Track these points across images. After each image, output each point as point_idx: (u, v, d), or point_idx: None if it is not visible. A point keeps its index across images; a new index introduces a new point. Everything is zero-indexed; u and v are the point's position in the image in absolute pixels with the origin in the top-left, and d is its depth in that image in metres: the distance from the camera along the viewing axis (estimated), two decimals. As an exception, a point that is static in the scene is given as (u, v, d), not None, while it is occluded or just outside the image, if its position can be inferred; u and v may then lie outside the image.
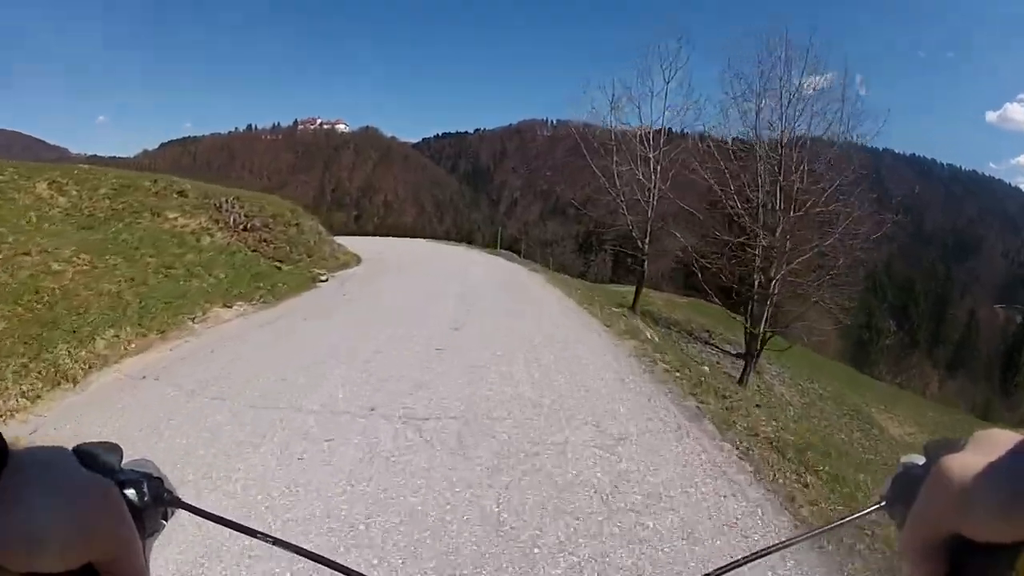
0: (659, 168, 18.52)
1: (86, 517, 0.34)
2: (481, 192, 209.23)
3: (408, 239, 38.33)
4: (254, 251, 12.47)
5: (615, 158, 19.19)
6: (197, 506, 0.47)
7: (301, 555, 0.48)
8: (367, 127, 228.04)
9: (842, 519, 0.50)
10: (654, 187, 18.44)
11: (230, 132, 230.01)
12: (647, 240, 18.91)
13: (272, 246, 13.34)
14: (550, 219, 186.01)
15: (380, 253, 20.35)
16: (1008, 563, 0.34)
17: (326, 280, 12.89)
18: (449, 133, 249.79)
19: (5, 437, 0.32)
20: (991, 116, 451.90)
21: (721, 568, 0.49)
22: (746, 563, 0.50)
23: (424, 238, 34.66)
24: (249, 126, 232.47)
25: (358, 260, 17.34)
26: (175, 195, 13.58)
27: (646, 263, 19.59)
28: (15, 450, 0.33)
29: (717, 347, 22.28)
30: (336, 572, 0.49)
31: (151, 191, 13.31)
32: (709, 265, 16.55)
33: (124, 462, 0.45)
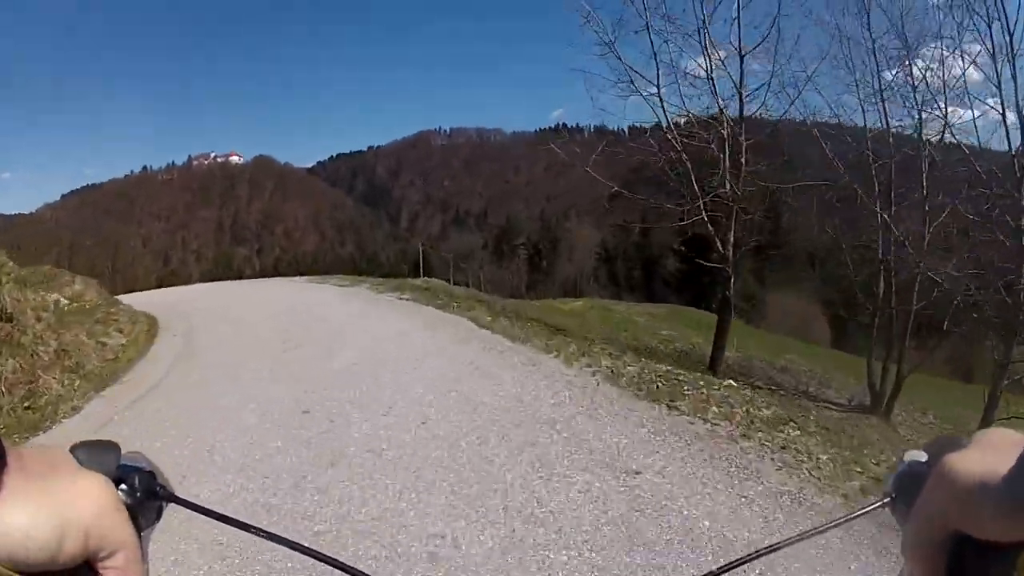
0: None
1: (84, 515, 0.35)
2: (381, 209, 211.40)
3: (273, 282, 24.40)
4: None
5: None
6: (191, 501, 0.48)
7: (297, 550, 0.49)
8: (260, 156, 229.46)
9: (846, 516, 0.50)
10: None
11: (126, 175, 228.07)
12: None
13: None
14: (452, 229, 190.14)
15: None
16: (1011, 563, 0.34)
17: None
18: (344, 153, 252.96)
19: (2, 439, 0.33)
20: None
21: (723, 567, 0.50)
22: (747, 562, 0.50)
23: (313, 275, 24.69)
24: (144, 167, 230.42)
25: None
26: None
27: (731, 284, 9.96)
28: (13, 450, 0.34)
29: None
30: (335, 569, 0.49)
31: None
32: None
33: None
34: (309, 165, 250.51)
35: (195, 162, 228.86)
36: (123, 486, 0.43)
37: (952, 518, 0.37)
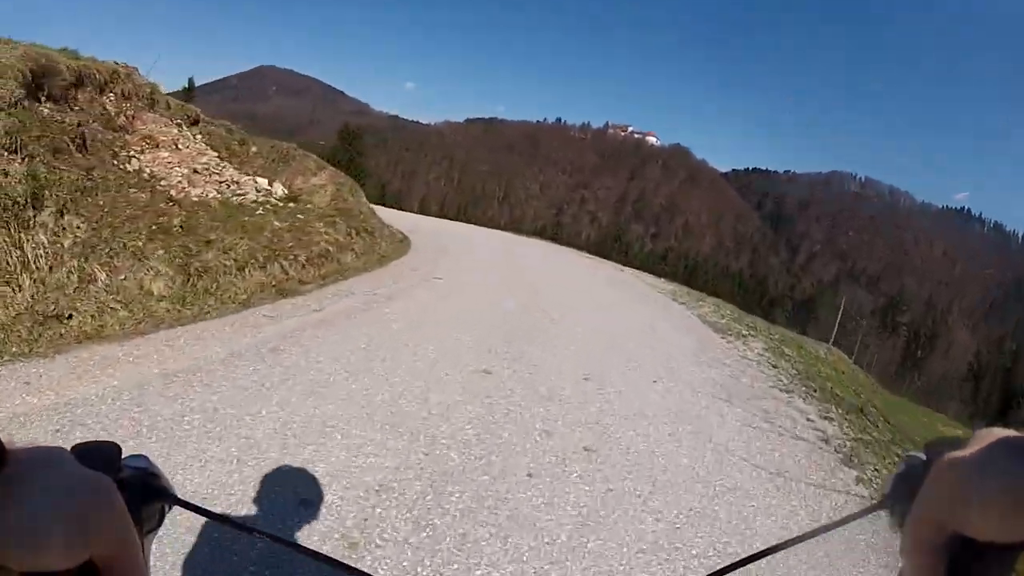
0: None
1: (85, 514, 0.35)
2: (781, 236, 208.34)
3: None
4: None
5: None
6: (193, 502, 0.48)
7: (301, 552, 0.49)
8: (677, 144, 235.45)
9: (844, 518, 0.48)
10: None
11: (539, 121, 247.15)
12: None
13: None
14: (844, 281, 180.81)
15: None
16: (1009, 564, 0.35)
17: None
18: (758, 168, 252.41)
19: (1, 438, 0.33)
20: None
21: (724, 568, 0.50)
22: (748, 563, 0.50)
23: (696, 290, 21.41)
24: (558, 119, 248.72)
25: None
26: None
27: None
28: (13, 449, 0.34)
29: None
30: (339, 571, 0.49)
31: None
32: None
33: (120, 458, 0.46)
34: (724, 170, 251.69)
35: (611, 130, 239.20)
36: (128, 488, 0.42)
37: (949, 519, 0.36)
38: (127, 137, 9.26)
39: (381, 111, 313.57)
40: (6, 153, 6.42)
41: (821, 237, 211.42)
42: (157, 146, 9.63)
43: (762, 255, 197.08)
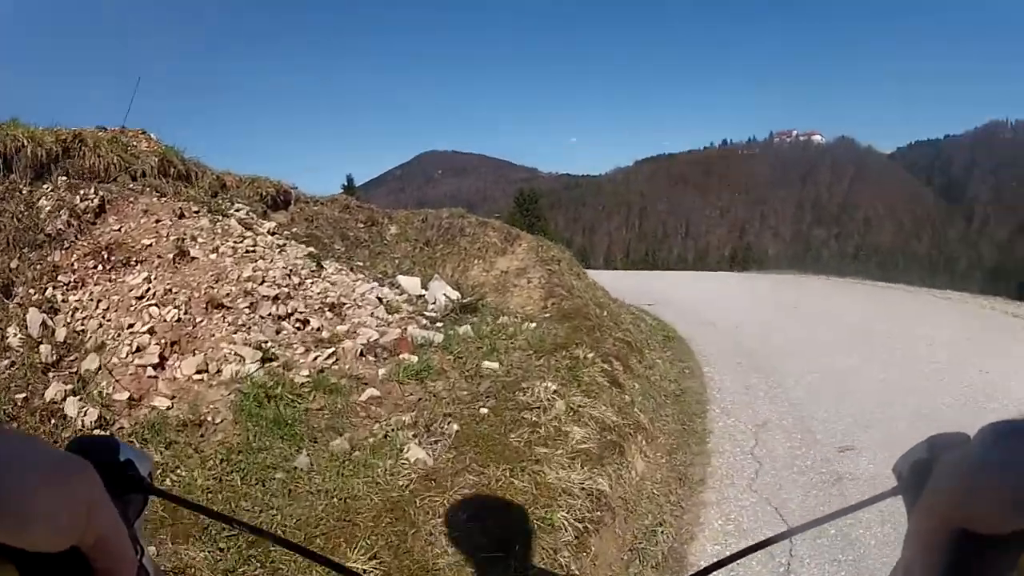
0: None
1: (64, 491, 0.34)
2: (955, 205, 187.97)
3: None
4: None
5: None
6: (172, 493, 0.46)
7: (280, 545, 0.41)
8: (842, 137, 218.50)
9: (859, 503, 0.48)
10: None
11: (706, 147, 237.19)
12: None
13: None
14: (1019, 239, 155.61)
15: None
16: (1013, 559, 0.34)
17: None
18: (921, 140, 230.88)
19: None
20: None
21: (733, 555, 0.51)
22: (754, 551, 0.51)
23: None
24: (724, 141, 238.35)
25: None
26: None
27: None
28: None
29: None
30: (326, 566, 0.50)
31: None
32: None
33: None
34: (889, 151, 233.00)
35: (776, 139, 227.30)
36: (107, 473, 0.41)
37: (954, 513, 0.36)
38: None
39: (551, 172, 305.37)
40: None
41: (988, 197, 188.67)
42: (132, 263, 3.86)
43: (940, 232, 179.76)
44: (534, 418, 4.01)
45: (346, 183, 39.04)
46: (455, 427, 3.70)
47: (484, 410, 3.99)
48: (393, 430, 3.56)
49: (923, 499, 0.38)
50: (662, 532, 3.75)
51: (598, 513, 3.37)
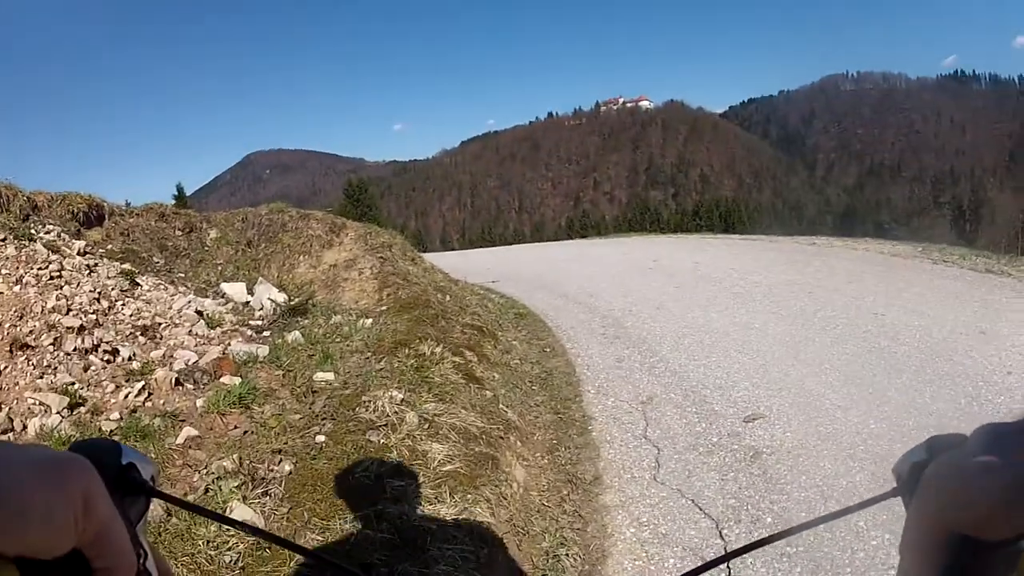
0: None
1: (60, 486, 0.34)
2: (796, 157, 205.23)
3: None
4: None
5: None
6: (173, 495, 0.47)
7: (280, 545, 0.45)
8: (671, 100, 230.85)
9: (858, 504, 0.48)
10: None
11: (531, 122, 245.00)
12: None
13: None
14: (867, 180, 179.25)
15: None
16: (1010, 563, 0.34)
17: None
18: (754, 98, 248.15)
19: None
20: None
21: (734, 551, 0.52)
22: (753, 549, 0.50)
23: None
24: (550, 114, 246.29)
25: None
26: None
27: None
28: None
29: None
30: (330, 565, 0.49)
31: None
32: None
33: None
34: (721, 110, 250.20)
35: (603, 107, 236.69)
36: (108, 474, 0.42)
37: (948, 516, 0.36)
38: None
39: (377, 161, 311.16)
40: None
41: (832, 145, 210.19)
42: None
43: (783, 181, 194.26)
44: (382, 440, 3.40)
45: (176, 193, 36.01)
46: (287, 467, 3.10)
47: (321, 437, 3.40)
48: (215, 480, 2.90)
49: (918, 502, 0.39)
50: (566, 554, 3.08)
51: (485, 551, 2.71)
